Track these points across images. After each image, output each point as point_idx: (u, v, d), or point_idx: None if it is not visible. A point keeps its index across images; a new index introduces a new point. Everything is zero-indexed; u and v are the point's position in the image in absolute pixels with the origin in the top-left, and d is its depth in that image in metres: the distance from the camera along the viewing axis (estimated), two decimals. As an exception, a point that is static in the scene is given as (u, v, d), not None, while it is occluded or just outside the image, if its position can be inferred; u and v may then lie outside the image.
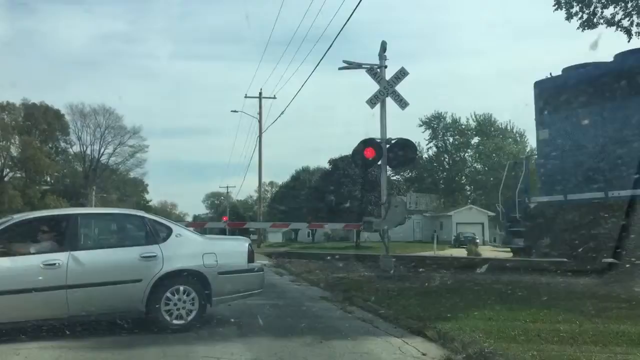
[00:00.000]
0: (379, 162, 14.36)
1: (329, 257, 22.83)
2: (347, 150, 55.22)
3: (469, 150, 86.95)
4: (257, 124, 47.94)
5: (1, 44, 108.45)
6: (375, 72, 14.39)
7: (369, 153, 13.90)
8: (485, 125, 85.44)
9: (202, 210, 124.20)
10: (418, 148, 79.76)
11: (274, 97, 46.57)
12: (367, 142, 13.99)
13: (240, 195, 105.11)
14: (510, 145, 77.45)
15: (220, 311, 9.27)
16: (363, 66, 14.49)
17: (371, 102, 14.25)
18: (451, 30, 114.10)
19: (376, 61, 14.61)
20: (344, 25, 18.71)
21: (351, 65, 14.41)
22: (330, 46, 33.56)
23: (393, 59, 14.56)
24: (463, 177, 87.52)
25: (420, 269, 16.94)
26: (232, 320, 8.87)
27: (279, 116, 46.49)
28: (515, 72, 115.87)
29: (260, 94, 48.18)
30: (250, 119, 61.16)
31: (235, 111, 50.93)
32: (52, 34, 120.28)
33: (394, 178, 61.22)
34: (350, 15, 16.67)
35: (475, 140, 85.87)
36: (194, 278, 8.23)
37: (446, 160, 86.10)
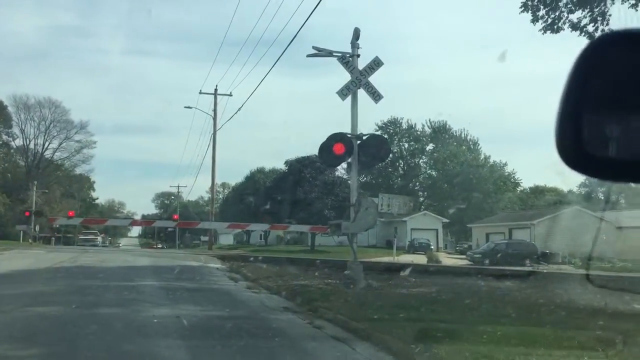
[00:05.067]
0: (349, 159, 13.14)
1: (286, 263, 21.58)
2: (304, 152, 54.26)
3: (423, 157, 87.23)
4: (211, 123, 46.10)
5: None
6: (347, 60, 13.18)
7: (339, 149, 12.67)
8: (440, 132, 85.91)
9: (151, 210, 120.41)
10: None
11: (230, 95, 44.80)
12: (336, 137, 12.75)
13: (192, 196, 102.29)
14: (464, 152, 77.92)
15: (166, 323, 7.79)
16: (334, 54, 13.25)
17: (342, 93, 13.03)
18: (404, 39, 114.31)
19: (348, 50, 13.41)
20: (300, 27, 18.15)
21: (321, 53, 13.15)
22: (286, 48, 32.33)
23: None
24: (417, 183, 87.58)
25: (385, 276, 15.94)
26: (179, 339, 7.17)
27: (236, 112, 44.60)
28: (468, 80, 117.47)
29: (215, 90, 46.36)
30: (203, 118, 59.25)
31: (189, 107, 48.50)
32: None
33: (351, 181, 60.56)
34: (307, 18, 15.72)
35: (430, 147, 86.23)
36: None
37: (401, 165, 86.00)
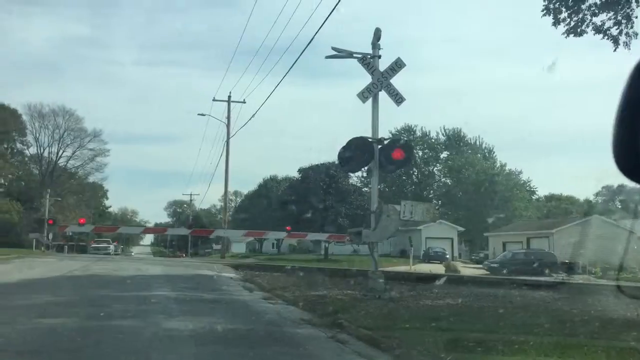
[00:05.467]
0: (369, 165, 12.62)
1: (302, 273, 21.08)
2: (317, 161, 53.86)
3: (438, 165, 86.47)
4: (224, 131, 45.87)
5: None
6: (367, 62, 12.70)
7: (359, 154, 12.17)
8: (455, 140, 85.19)
9: (164, 218, 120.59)
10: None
11: (244, 102, 44.58)
12: (357, 141, 12.25)
13: (204, 204, 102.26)
14: (480, 161, 77.00)
15: (180, 336, 7.32)
16: (354, 55, 12.79)
17: (363, 95, 12.55)
18: (415, 46, 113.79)
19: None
20: (315, 34, 17.94)
21: (340, 54, 12.69)
22: (301, 54, 32.01)
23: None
24: (432, 191, 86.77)
25: (405, 286, 15.39)
26: (193, 356, 6.69)
27: (250, 119, 44.33)
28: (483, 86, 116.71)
29: (229, 97, 46.18)
30: (216, 127, 59.09)
31: (202, 114, 48.40)
32: (13, 34, 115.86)
33: (366, 189, 59.87)
34: (322, 25, 15.43)
35: (445, 154, 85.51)
36: None
37: (415, 173, 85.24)
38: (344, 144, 12.36)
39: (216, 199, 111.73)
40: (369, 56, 12.78)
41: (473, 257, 63.12)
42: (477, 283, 16.88)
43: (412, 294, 13.46)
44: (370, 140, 12.38)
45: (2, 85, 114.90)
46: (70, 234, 63.41)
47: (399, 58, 12.83)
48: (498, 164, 78.53)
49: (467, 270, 40.65)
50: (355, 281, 17.00)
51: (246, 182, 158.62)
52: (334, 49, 12.63)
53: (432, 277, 17.73)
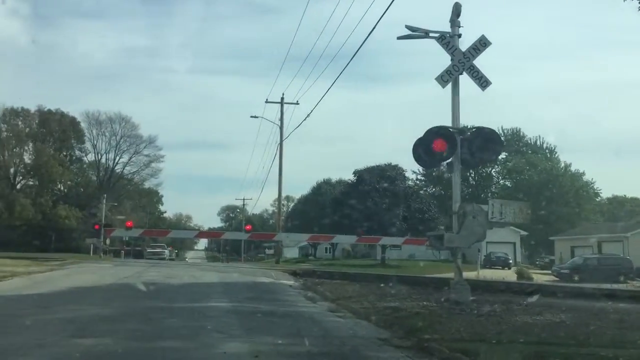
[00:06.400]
0: (450, 159, 10.97)
1: (365, 280, 19.57)
2: (372, 163, 52.11)
3: (496, 166, 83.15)
4: (276, 135, 45.01)
5: (23, 55, 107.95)
6: (447, 41, 11.10)
7: (439, 145, 10.56)
8: (514, 140, 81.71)
9: (217, 223, 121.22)
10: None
11: (297, 103, 43.51)
12: (436, 132, 10.64)
13: (256, 209, 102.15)
14: (542, 161, 73.30)
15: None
16: (430, 35, 11.21)
17: (442, 79, 10.95)
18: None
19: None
20: (365, 39, 17.09)
21: (415, 34, 11.13)
22: (353, 56, 31.10)
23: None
24: (489, 194, 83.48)
25: (486, 296, 13.58)
26: None
27: (305, 119, 43.28)
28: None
29: (282, 98, 45.23)
30: (268, 131, 58.54)
31: (255, 116, 47.76)
32: (73, 47, 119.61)
33: (423, 192, 57.85)
34: (371, 31, 14.42)
35: (503, 155, 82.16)
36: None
37: (472, 175, 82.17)
38: (421, 135, 10.78)
39: (268, 204, 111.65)
40: (448, 35, 11.17)
41: (537, 263, 59.97)
42: (564, 293, 14.92)
43: (499, 306, 11.70)
44: (451, 130, 10.76)
45: (64, 97, 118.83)
46: (127, 238, 63.85)
47: (483, 36, 11.18)
48: (562, 164, 74.67)
49: (535, 276, 38.01)
50: (427, 290, 15.38)
51: (297, 188, 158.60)
52: (407, 27, 11.07)
53: (518, 288, 15.84)
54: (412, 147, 10.99)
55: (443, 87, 10.98)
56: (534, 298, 11.72)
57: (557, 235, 56.85)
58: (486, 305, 10.78)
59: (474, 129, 10.91)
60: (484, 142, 10.77)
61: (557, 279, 37.91)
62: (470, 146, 10.76)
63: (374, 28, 15.40)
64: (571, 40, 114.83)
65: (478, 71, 11.09)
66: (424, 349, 7.73)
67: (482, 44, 11.17)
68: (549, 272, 43.45)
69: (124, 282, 17.06)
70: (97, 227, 43.59)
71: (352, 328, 9.48)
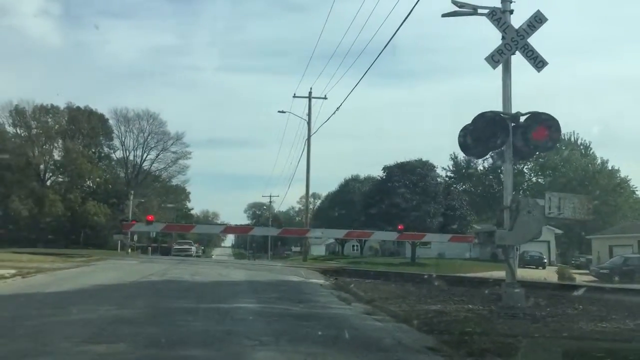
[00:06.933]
0: (502, 147, 9.93)
1: (400, 279, 18.61)
2: (402, 159, 50.93)
3: (528, 163, 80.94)
4: (304, 131, 44.25)
5: (54, 54, 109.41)
6: (498, 17, 10.08)
7: (489, 133, 9.55)
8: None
9: (243, 220, 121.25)
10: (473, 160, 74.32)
11: (325, 98, 42.67)
12: (486, 118, 9.61)
13: (282, 207, 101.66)
14: (577, 159, 70.94)
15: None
16: (479, 11, 10.19)
17: (493, 59, 9.92)
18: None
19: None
20: (394, 34, 16.61)
21: (462, 10, 10.11)
22: (381, 52, 30.98)
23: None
24: (521, 191, 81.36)
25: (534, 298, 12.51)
26: None
27: (334, 113, 42.15)
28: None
29: (309, 93, 44.47)
30: (295, 127, 57.57)
31: (282, 111, 47.15)
32: (103, 46, 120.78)
33: (453, 188, 56.36)
34: (400, 26, 13.68)
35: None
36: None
37: (501, 171, 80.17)
38: (469, 122, 9.76)
39: (294, 202, 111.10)
40: (500, 10, 10.13)
41: (573, 262, 58.06)
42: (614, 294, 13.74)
43: (553, 309, 10.62)
44: (503, 115, 9.72)
45: (94, 95, 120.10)
46: (154, 234, 63.81)
47: (538, 11, 10.10)
48: (599, 161, 72.24)
49: (582, 278, 36.42)
50: (469, 291, 14.35)
51: (324, 186, 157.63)
52: (454, 2, 10.05)
53: (569, 288, 14.71)
54: (457, 135, 9.97)
55: (494, 67, 9.94)
56: (580, 291, 10.66)
57: (595, 234, 54.85)
58: (540, 309, 9.73)
59: (528, 114, 9.85)
60: (539, 128, 9.71)
61: (595, 279, 36.33)
62: (525, 133, 9.72)
63: (409, 14, 14.45)
64: (600, 35, 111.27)
65: (533, 50, 10.03)
66: (475, 356, 6.79)
67: (537, 20, 10.10)
68: (586, 272, 41.81)
69: (149, 279, 16.41)
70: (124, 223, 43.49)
71: (393, 333, 8.54)
